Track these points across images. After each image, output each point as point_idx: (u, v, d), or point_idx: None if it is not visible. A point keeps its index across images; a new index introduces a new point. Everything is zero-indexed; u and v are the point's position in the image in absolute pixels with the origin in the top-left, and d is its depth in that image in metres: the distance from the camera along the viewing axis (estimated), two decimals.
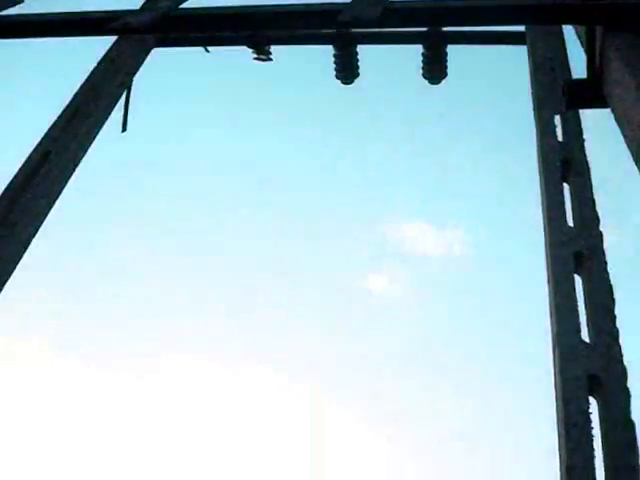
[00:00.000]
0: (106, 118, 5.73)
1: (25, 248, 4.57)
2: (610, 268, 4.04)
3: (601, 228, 4.21)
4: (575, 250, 4.01)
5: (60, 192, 5.00)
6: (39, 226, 4.79)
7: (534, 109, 5.02)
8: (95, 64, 6.07)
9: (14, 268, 4.44)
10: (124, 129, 6.20)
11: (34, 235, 4.73)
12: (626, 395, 3.48)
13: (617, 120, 3.60)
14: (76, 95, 5.78)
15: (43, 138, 5.35)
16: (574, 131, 4.74)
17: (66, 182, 5.04)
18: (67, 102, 5.70)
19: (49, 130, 5.42)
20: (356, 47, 6.89)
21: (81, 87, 5.88)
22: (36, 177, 4.95)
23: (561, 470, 3.26)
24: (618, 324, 3.79)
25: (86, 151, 5.38)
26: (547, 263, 4.03)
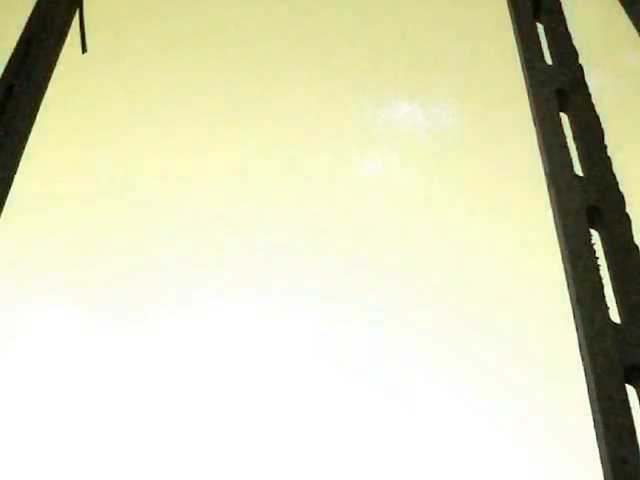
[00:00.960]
0: (63, 42, 5.57)
1: (6, 187, 4.52)
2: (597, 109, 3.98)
3: (587, 74, 4.12)
4: (557, 87, 3.94)
5: (32, 125, 4.91)
6: (17, 163, 4.73)
7: None
8: None
9: None
10: (84, 50, 6.03)
11: (14, 173, 4.67)
12: (627, 222, 3.49)
13: None
14: (28, 24, 5.60)
15: (3, 73, 5.21)
16: None
17: (36, 113, 4.94)
18: (19, 34, 5.53)
19: (7, 64, 5.27)
20: None
21: (31, 15, 5.70)
22: (5, 113, 4.85)
23: (572, 305, 3.29)
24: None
25: (49, 78, 5.25)
26: (531, 105, 3.97)
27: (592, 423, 3.09)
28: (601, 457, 2.97)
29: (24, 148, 4.77)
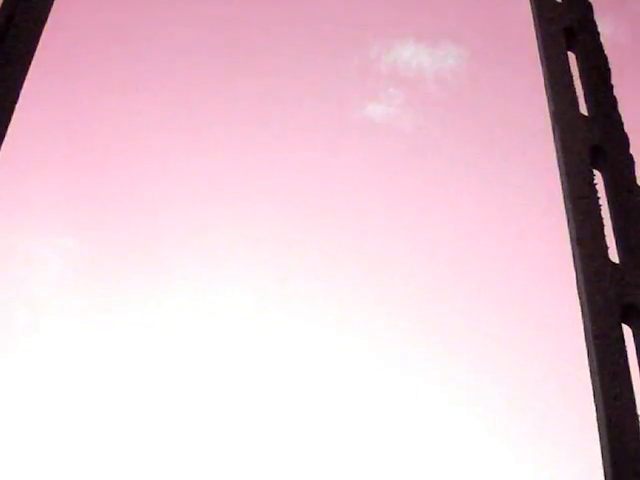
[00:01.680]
0: None
1: (6, 118, 4.48)
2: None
3: (597, 17, 4.05)
4: (565, 25, 3.87)
5: (33, 54, 4.84)
6: (18, 92, 4.68)
7: None
8: None
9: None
10: None
11: (14, 103, 4.63)
12: (630, 163, 3.47)
13: None
14: None
15: (3, 3, 5.12)
16: None
17: (37, 41, 4.86)
18: None
19: None
20: None
21: None
22: (5, 41, 4.78)
23: (572, 245, 3.29)
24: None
25: (50, 9, 5.16)
26: (538, 43, 3.91)
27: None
28: (594, 394, 3.01)
29: (25, 78, 4.72)
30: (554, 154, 3.51)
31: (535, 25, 4.08)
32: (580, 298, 3.13)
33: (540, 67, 3.96)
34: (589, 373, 3.03)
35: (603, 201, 3.33)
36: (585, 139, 3.40)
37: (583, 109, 3.67)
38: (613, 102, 3.60)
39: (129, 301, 11.22)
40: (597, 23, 3.98)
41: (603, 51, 3.83)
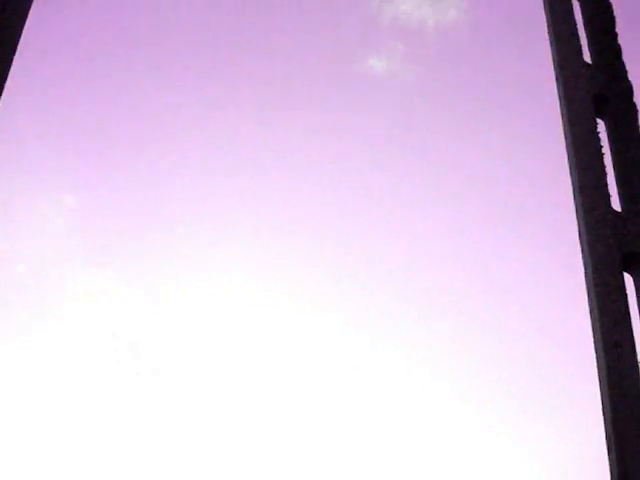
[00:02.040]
0: None
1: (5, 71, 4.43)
2: None
3: None
4: None
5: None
6: (16, 45, 4.63)
7: None
8: None
9: None
10: None
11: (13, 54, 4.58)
12: (634, 111, 3.44)
13: None
14: None
15: None
16: None
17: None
18: None
19: None
20: None
21: None
22: None
23: (574, 193, 3.28)
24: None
25: None
26: None
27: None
28: (595, 342, 3.02)
29: (22, 30, 4.66)
30: (557, 103, 3.48)
31: None
32: (581, 246, 3.13)
33: (543, 16, 3.91)
34: (590, 320, 3.05)
35: (606, 150, 3.31)
36: (589, 87, 3.37)
37: (587, 57, 3.63)
38: (617, 50, 3.56)
39: (130, 259, 11.24)
40: None
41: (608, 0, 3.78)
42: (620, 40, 3.63)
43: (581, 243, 3.14)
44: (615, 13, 3.84)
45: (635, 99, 3.48)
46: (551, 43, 3.70)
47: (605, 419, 2.89)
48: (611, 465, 2.87)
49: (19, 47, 4.76)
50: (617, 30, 3.70)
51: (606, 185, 3.22)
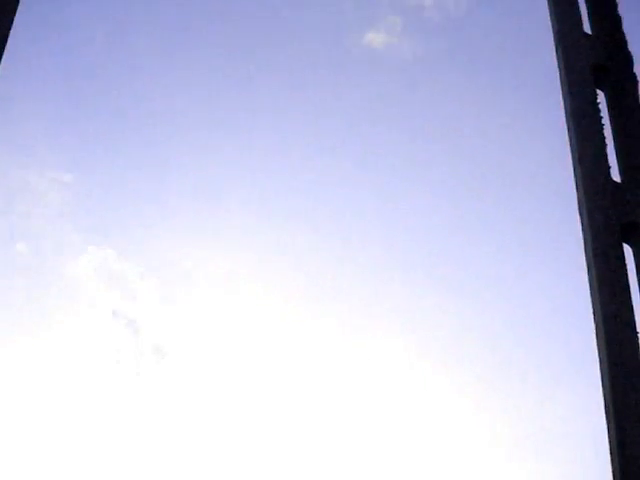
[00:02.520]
0: None
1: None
2: None
3: None
4: None
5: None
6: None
7: None
8: None
9: None
10: None
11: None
12: (634, 81, 3.42)
13: None
14: None
15: None
16: None
17: None
18: None
19: None
20: None
21: None
22: None
23: (573, 163, 3.27)
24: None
25: None
26: None
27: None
28: (594, 313, 3.03)
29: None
30: (557, 73, 3.46)
31: None
32: (581, 216, 3.12)
33: None
34: (589, 291, 3.05)
35: (605, 120, 3.30)
36: (588, 58, 3.35)
37: (587, 28, 3.61)
38: (617, 20, 3.54)
39: (130, 236, 11.23)
40: None
41: None
42: (620, 10, 3.60)
43: (580, 214, 3.14)
44: None
45: (635, 69, 3.46)
46: (551, 13, 3.67)
47: (604, 389, 2.90)
48: (610, 434, 2.89)
49: (14, 23, 4.72)
50: (617, 0, 3.67)
51: (606, 156, 3.21)
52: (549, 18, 3.73)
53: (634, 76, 3.40)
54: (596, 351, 2.97)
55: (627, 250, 3.12)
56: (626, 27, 3.62)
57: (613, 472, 2.78)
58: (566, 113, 3.34)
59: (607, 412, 2.89)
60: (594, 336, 2.98)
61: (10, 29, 4.62)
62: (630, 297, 2.97)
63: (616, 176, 3.21)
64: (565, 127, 3.34)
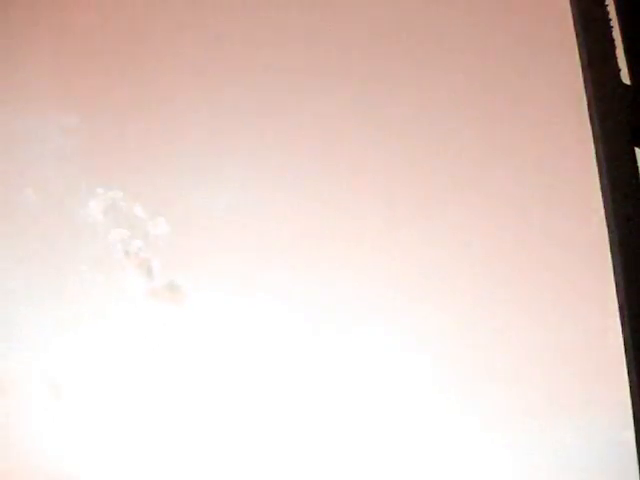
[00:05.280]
0: None
1: None
2: None
3: None
4: None
5: None
6: None
7: None
8: None
9: None
10: None
11: None
12: None
13: None
14: None
15: None
16: None
17: None
18: None
19: None
20: None
21: None
22: None
23: (583, 68, 3.23)
24: None
25: None
26: None
27: None
28: (606, 216, 3.02)
29: None
30: None
31: None
32: (591, 120, 3.10)
33: None
34: (600, 195, 3.04)
35: (614, 22, 3.24)
36: None
37: None
38: None
39: (135, 176, 11.22)
40: None
41: None
42: None
43: (590, 118, 3.11)
44: None
45: None
46: None
47: (618, 292, 2.92)
48: (625, 337, 2.91)
49: None
50: None
51: (615, 59, 3.16)
52: None
53: None
54: (609, 255, 2.97)
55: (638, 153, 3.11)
56: None
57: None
58: (574, 15, 3.27)
59: (622, 314, 2.91)
60: (607, 240, 2.99)
61: None
62: None
63: (626, 79, 3.17)
64: (573, 30, 3.28)
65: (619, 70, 3.15)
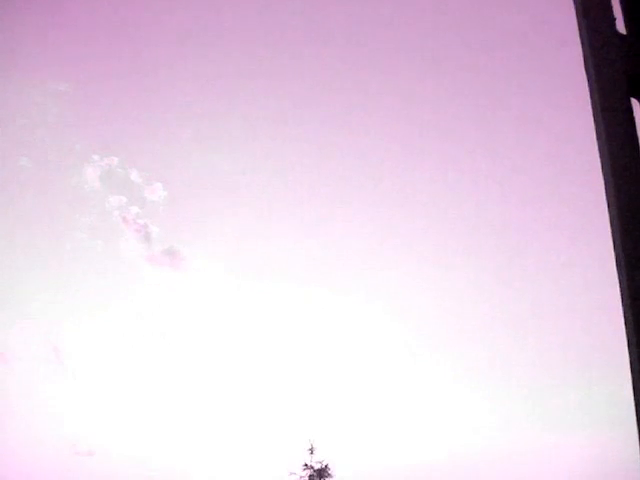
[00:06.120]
0: None
1: None
2: None
3: None
4: None
5: None
6: None
7: None
8: None
9: None
10: None
11: None
12: None
13: None
14: None
15: None
16: None
17: None
18: None
19: None
20: None
21: None
22: None
23: (577, 16, 3.19)
24: None
25: None
26: None
27: None
28: (602, 166, 3.01)
29: None
30: None
31: None
32: (587, 72, 3.07)
33: None
34: (597, 147, 3.03)
35: None
36: None
37: None
38: None
39: (130, 142, 11.17)
40: None
41: None
42: None
43: (586, 68, 3.08)
44: None
45: None
46: None
47: (614, 242, 2.92)
48: (621, 286, 2.92)
49: None
50: None
51: (611, 7, 3.12)
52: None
53: None
54: (605, 204, 2.97)
55: (635, 104, 3.08)
56: None
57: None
58: None
59: (618, 264, 2.91)
60: (603, 189, 2.98)
61: None
62: (638, 149, 2.95)
63: (622, 29, 3.13)
64: None
65: (614, 19, 3.11)
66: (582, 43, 3.11)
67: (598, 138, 3.00)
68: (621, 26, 3.14)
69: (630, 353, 2.91)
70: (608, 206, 2.98)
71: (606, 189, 2.97)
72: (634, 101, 3.09)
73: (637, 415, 2.88)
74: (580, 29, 3.13)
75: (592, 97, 3.04)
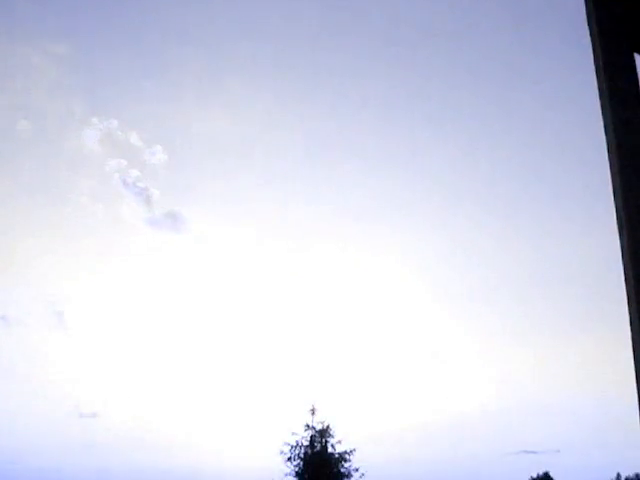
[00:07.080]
0: None
1: None
2: None
3: None
4: None
5: None
6: None
7: None
8: None
9: None
10: None
11: None
12: None
13: None
14: None
15: None
16: None
17: None
18: None
19: None
20: None
21: None
22: None
23: None
24: None
25: None
26: None
27: None
28: (604, 123, 3.03)
29: None
30: None
31: None
32: (589, 25, 3.07)
33: None
34: (599, 103, 3.04)
35: None
36: None
37: None
38: None
39: (129, 104, 11.14)
40: None
41: None
42: None
43: (589, 23, 3.08)
44: None
45: None
46: None
47: (615, 194, 2.95)
48: (622, 247, 2.95)
49: None
50: None
51: None
52: None
53: None
54: (607, 160, 2.99)
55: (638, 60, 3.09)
56: None
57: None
58: None
59: (619, 220, 2.93)
60: (605, 146, 3.00)
61: None
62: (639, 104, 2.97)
63: None
64: None
65: None
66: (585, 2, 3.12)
67: (600, 96, 3.02)
68: None
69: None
70: (609, 159, 3.00)
71: (608, 145, 2.99)
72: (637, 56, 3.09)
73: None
74: None
75: (594, 57, 3.05)
